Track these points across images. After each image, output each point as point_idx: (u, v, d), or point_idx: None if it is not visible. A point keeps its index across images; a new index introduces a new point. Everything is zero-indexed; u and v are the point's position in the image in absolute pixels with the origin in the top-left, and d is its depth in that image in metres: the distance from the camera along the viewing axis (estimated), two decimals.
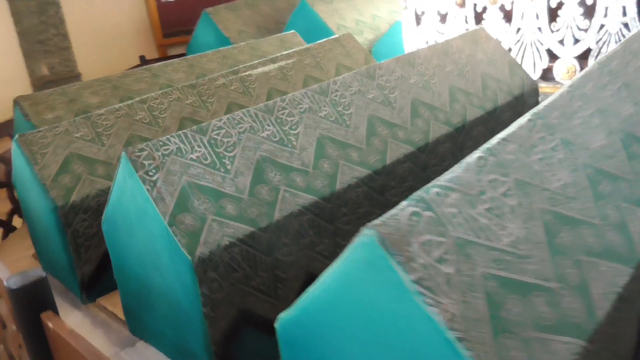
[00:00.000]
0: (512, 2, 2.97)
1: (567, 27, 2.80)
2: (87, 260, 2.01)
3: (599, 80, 1.53)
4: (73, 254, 1.97)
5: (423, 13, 3.39)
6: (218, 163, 1.53)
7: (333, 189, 1.65)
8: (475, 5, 3.13)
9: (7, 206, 3.02)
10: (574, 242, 1.05)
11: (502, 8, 3.02)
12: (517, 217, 1.01)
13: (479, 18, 3.14)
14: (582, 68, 2.77)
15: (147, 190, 1.41)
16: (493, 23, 3.06)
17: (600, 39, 2.73)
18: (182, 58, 3.21)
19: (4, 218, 2.94)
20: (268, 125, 1.69)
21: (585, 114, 1.36)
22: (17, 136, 2.00)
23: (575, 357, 0.89)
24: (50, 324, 1.00)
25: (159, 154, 1.48)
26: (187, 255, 1.35)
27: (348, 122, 1.84)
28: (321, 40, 3.05)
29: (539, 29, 2.90)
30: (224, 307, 1.44)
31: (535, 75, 2.98)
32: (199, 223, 1.41)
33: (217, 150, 1.56)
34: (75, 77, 5.85)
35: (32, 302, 1.02)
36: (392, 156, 1.84)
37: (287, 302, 1.35)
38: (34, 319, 1.01)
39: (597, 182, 1.21)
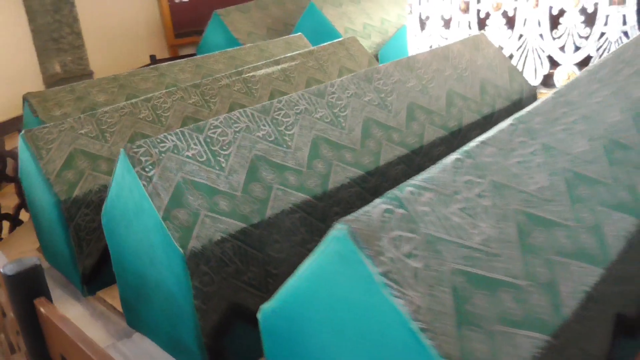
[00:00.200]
0: (515, 9, 3.00)
1: (568, 34, 2.83)
2: (89, 253, 2.07)
3: (587, 87, 1.56)
4: (75, 248, 2.03)
5: (427, 18, 3.43)
6: (213, 161, 1.59)
7: (325, 189, 1.70)
8: (478, 11, 3.16)
9: (15, 200, 3.09)
10: (546, 243, 1.08)
11: (504, 14, 3.06)
12: (490, 217, 1.05)
13: (482, 24, 3.17)
14: None
15: (144, 185, 1.47)
16: (496, 29, 3.09)
17: (601, 47, 2.75)
18: (189, 58, 3.27)
19: (11, 212, 3.01)
20: (264, 125, 1.74)
21: (568, 120, 1.40)
22: (23, 131, 2.07)
23: (539, 351, 0.92)
24: (42, 310, 1.05)
25: (156, 150, 1.53)
26: (180, 248, 1.40)
27: (343, 124, 1.89)
28: (325, 43, 3.10)
29: (541, 35, 2.93)
30: (215, 301, 1.48)
31: (536, 81, 3.01)
32: (193, 218, 1.46)
33: (212, 148, 1.61)
34: (88, 75, 5.93)
35: (27, 288, 1.07)
36: (386, 158, 1.88)
37: None
38: (28, 305, 1.07)
39: (575, 186, 1.24)
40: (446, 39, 3.35)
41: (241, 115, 1.72)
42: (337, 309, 0.94)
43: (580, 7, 2.76)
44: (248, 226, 1.52)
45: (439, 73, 2.28)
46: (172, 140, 1.57)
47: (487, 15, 3.12)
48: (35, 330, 1.09)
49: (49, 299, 1.10)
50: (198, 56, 3.31)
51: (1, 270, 1.09)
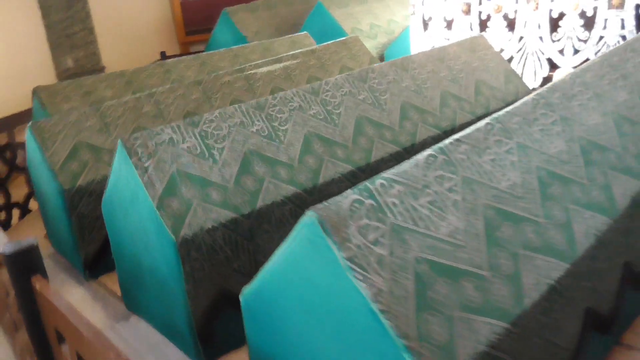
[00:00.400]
0: (516, 11, 3.04)
1: (568, 37, 2.86)
2: (91, 240, 2.15)
3: (569, 90, 1.61)
4: (78, 235, 2.12)
5: (430, 19, 3.48)
6: (207, 153, 1.65)
7: (316, 183, 1.76)
8: (480, 12, 3.21)
9: (25, 190, 3.19)
10: (513, 237, 1.14)
11: (505, 16, 3.10)
12: (459, 211, 1.11)
13: (483, 25, 3.22)
14: None
15: (139, 175, 1.54)
16: (496, 31, 3.14)
17: (599, 50, 2.79)
18: (194, 55, 3.35)
19: (21, 201, 3.11)
20: (258, 120, 1.81)
21: (547, 122, 1.45)
22: (30, 123, 2.15)
23: (496, 337, 0.98)
24: (38, 286, 1.12)
25: (153, 142, 1.60)
26: (172, 235, 1.47)
27: (336, 121, 1.95)
28: (327, 42, 3.16)
29: (541, 38, 2.97)
30: (205, 286, 1.55)
31: (536, 83, 3.05)
32: (185, 207, 1.53)
33: (207, 141, 1.68)
34: (99, 70, 6.04)
35: (24, 266, 1.15)
36: (377, 155, 1.94)
37: None
38: (26, 282, 1.14)
39: (548, 184, 1.29)
40: (448, 40, 3.40)
41: (236, 111, 1.79)
42: (308, 290, 1.00)
43: (579, 10, 2.80)
44: (239, 216, 1.59)
45: (434, 74, 2.34)
46: (168, 133, 1.65)
47: (489, 17, 3.17)
48: (31, 306, 1.16)
49: (45, 276, 1.18)
50: (203, 53, 3.38)
51: (1, 249, 1.17)
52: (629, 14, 2.63)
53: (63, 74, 5.79)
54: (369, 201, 1.01)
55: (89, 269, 2.17)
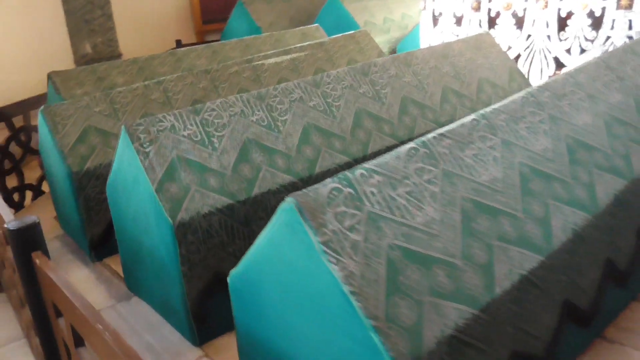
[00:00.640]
0: (525, 9, 3.06)
1: (575, 37, 2.88)
2: (97, 222, 2.23)
3: (561, 89, 1.64)
4: (84, 216, 2.20)
5: (440, 14, 3.51)
6: (207, 141, 1.72)
7: (312, 172, 1.81)
8: (489, 9, 3.23)
9: (39, 172, 3.29)
10: (489, 229, 1.18)
11: (514, 14, 3.12)
12: (437, 202, 1.15)
13: (492, 22, 3.24)
14: None
15: (140, 160, 1.61)
16: (505, 28, 3.16)
17: (606, 50, 2.80)
18: (206, 45, 3.41)
19: (34, 183, 3.20)
20: (258, 110, 1.86)
21: (535, 120, 1.48)
22: (42, 107, 2.23)
23: (464, 322, 1.03)
24: (37, 261, 1.19)
25: (154, 129, 1.67)
26: (169, 218, 1.54)
27: (336, 113, 2.00)
28: (336, 36, 3.20)
29: (548, 37, 2.99)
30: (200, 268, 1.62)
31: (542, 81, 3.06)
32: (183, 192, 1.60)
33: (207, 129, 1.74)
34: (117, 56, 6.13)
35: (26, 242, 1.22)
36: (374, 147, 1.99)
37: None
38: (27, 257, 1.22)
39: (530, 180, 1.33)
40: (457, 35, 3.42)
41: (237, 100, 1.85)
42: (287, 272, 1.06)
43: (588, 10, 2.81)
44: (235, 202, 1.65)
45: (436, 70, 2.37)
46: (170, 120, 1.71)
47: (498, 14, 3.19)
48: (32, 281, 1.24)
49: (46, 253, 1.25)
50: (214, 43, 3.44)
51: (6, 225, 1.24)
52: (637, 15, 2.63)
53: (81, 60, 5.89)
54: (347, 189, 1.06)
55: (95, 251, 2.25)
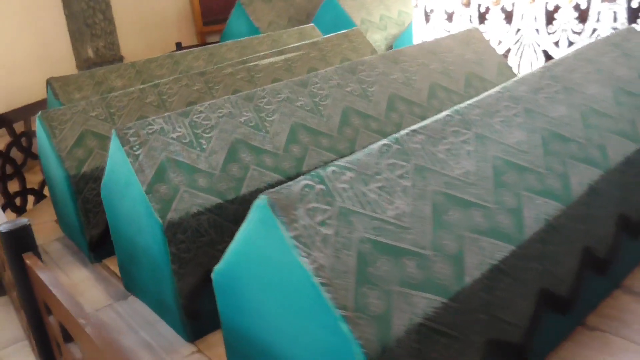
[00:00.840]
0: (513, 4, 3.09)
1: (562, 29, 2.91)
2: (95, 224, 2.29)
3: (537, 83, 1.68)
4: (83, 219, 2.26)
5: (432, 11, 3.55)
6: (195, 142, 1.77)
7: (299, 170, 1.86)
8: (479, 5, 3.26)
9: (41, 177, 3.36)
10: (460, 221, 1.23)
11: (503, 9, 3.15)
12: (408, 196, 1.20)
13: (482, 18, 3.27)
14: None
15: (131, 162, 1.66)
16: (495, 23, 3.19)
17: None
18: (203, 47, 3.47)
19: (36, 187, 3.27)
20: (246, 111, 1.91)
21: (509, 113, 1.53)
22: (40, 112, 2.30)
23: (433, 310, 1.08)
24: (28, 262, 1.25)
25: (144, 132, 1.73)
26: (159, 219, 1.60)
27: (323, 112, 2.05)
28: (329, 35, 3.25)
29: (537, 30, 3.02)
30: (191, 266, 1.67)
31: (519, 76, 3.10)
32: (173, 192, 1.65)
33: (196, 131, 1.80)
34: (119, 59, 6.20)
35: (17, 243, 1.28)
36: (362, 144, 2.03)
37: None
38: (19, 258, 1.27)
39: (503, 172, 1.38)
40: (449, 31, 3.46)
41: (225, 102, 1.90)
42: (263, 266, 1.12)
43: (574, 3, 2.84)
44: (223, 202, 1.71)
45: (424, 66, 2.41)
46: (160, 124, 1.77)
47: (487, 9, 3.22)
48: (24, 281, 1.29)
49: (37, 254, 1.30)
50: (211, 45, 3.50)
51: None
52: (621, 7, 2.66)
53: (83, 64, 5.97)
54: (319, 186, 1.11)
55: (94, 252, 2.31)
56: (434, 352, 1.08)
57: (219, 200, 1.70)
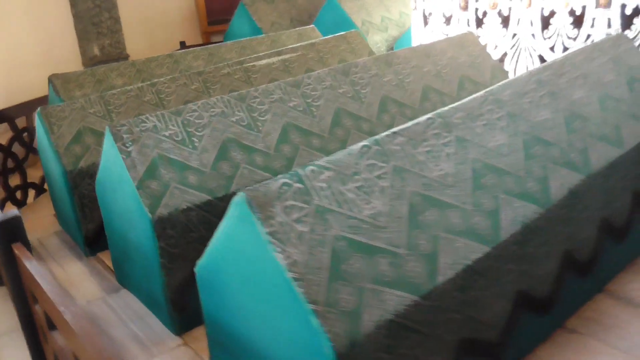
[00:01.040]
0: (510, 8, 3.12)
1: (558, 35, 2.93)
2: (91, 219, 2.34)
3: (522, 87, 1.71)
4: (79, 214, 2.31)
5: (430, 14, 3.57)
6: (187, 140, 1.81)
7: (289, 169, 1.90)
8: (477, 9, 3.29)
9: (42, 171, 3.41)
10: (436, 221, 1.26)
11: (500, 13, 3.17)
12: (385, 196, 1.23)
13: (479, 22, 3.30)
14: None
15: (123, 159, 1.71)
16: (492, 27, 3.21)
17: None
18: (203, 47, 3.51)
19: (37, 182, 3.33)
20: (239, 111, 1.95)
21: (492, 117, 1.56)
22: (39, 108, 2.34)
23: (404, 308, 1.11)
24: (17, 252, 1.29)
25: (137, 129, 1.77)
26: (149, 214, 1.64)
27: (315, 113, 2.08)
28: (328, 36, 3.28)
29: (533, 35, 3.04)
30: (180, 261, 1.71)
31: (504, 80, 3.12)
32: (163, 189, 1.69)
33: (188, 129, 1.84)
34: (124, 58, 6.27)
35: (7, 234, 1.32)
36: (352, 144, 2.06)
37: None
38: (8, 249, 1.32)
39: (482, 175, 1.41)
40: (447, 35, 3.48)
41: (218, 101, 1.94)
42: (241, 261, 1.15)
43: (569, 8, 2.86)
44: (213, 199, 1.75)
45: (417, 69, 2.44)
46: (153, 121, 1.81)
47: (485, 13, 3.24)
48: (13, 270, 1.34)
49: (26, 245, 1.35)
50: (211, 45, 3.54)
51: None
52: (615, 13, 2.68)
53: (89, 62, 6.03)
54: (297, 185, 1.15)
55: (89, 246, 2.36)
56: (404, 348, 1.12)
57: (209, 197, 1.74)
